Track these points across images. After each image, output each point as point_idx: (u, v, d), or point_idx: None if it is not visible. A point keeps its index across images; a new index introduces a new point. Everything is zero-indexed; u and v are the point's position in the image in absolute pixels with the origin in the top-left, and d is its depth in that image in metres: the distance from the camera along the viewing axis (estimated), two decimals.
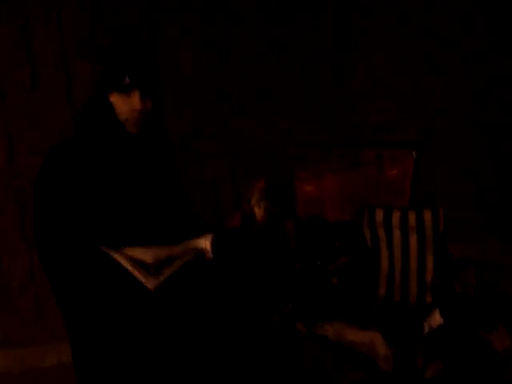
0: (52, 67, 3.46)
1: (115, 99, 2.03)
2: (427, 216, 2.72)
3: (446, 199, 4.12)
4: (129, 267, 1.92)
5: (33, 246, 2.18)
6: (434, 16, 4.28)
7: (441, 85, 4.37)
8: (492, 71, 4.28)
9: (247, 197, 2.75)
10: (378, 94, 4.64)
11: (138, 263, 1.93)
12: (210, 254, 2.06)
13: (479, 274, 3.11)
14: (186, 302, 1.95)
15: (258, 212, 2.76)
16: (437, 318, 2.82)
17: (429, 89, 4.40)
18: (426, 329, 2.77)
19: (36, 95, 3.45)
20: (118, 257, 1.92)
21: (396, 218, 2.81)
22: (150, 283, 1.92)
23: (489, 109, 4.33)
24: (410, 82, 4.41)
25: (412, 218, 2.76)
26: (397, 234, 2.81)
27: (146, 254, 1.95)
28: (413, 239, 2.77)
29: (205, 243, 2.05)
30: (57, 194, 1.93)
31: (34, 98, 3.44)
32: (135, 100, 2.00)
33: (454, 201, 4.20)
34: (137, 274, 1.91)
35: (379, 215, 2.86)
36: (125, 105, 2.01)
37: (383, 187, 4.27)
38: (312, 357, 2.79)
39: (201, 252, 2.04)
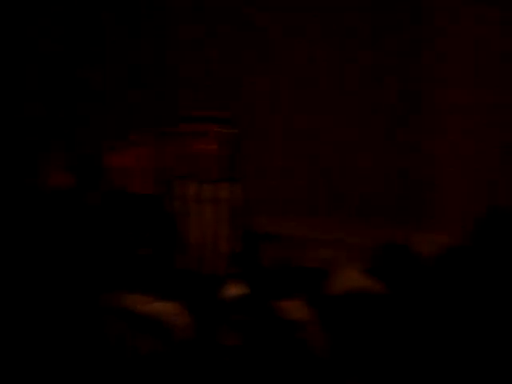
0: None
1: None
2: (224, 189, 2.77)
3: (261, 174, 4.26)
4: None
5: None
6: None
7: None
8: None
9: (47, 164, 2.62)
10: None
11: None
12: None
13: (280, 248, 3.26)
14: None
15: (58, 179, 2.66)
16: (235, 289, 2.90)
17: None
18: (225, 298, 2.83)
19: None
20: None
21: (194, 190, 2.83)
22: None
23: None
24: None
25: (209, 191, 2.79)
26: (194, 206, 2.83)
27: None
28: (209, 211, 2.81)
29: None
30: None
31: None
32: None
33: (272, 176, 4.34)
34: None
35: (180, 188, 2.86)
36: None
37: (194, 160, 4.31)
38: (114, 328, 2.75)
39: None
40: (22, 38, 4.22)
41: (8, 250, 2.40)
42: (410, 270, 2.79)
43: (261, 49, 4.37)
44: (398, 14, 3.88)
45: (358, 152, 3.89)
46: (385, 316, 2.67)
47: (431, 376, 2.51)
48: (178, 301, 2.71)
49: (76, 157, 3.16)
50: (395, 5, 3.89)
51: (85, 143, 4.23)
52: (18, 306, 2.35)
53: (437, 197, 3.70)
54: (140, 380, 2.51)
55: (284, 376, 2.48)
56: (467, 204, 3.58)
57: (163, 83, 4.68)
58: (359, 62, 3.85)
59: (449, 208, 3.66)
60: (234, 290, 2.93)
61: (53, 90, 4.39)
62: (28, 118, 4.10)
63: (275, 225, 3.89)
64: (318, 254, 3.38)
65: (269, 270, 3.26)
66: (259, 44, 4.35)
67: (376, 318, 2.67)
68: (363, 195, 3.85)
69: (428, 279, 2.62)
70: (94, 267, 2.77)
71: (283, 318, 2.73)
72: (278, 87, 4.27)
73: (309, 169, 3.99)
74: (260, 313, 2.77)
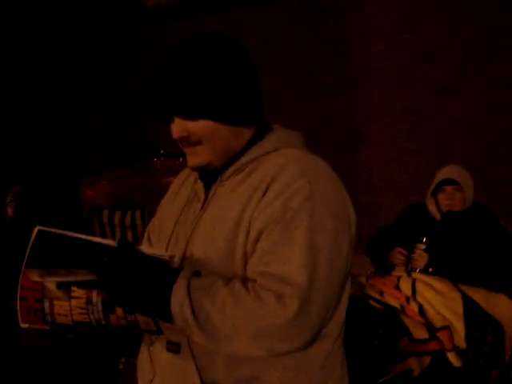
0: None
1: None
2: (137, 215, 3.24)
3: None
4: None
5: None
6: None
7: None
8: None
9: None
10: None
11: None
12: None
13: None
14: None
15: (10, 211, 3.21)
16: None
17: None
18: None
19: None
20: None
21: (117, 217, 3.31)
22: None
23: None
24: None
25: (128, 217, 3.27)
26: (117, 231, 3.31)
27: None
28: (129, 235, 3.29)
29: None
30: None
31: None
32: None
33: None
34: None
35: (105, 215, 3.35)
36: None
37: (161, 192, 4.78)
38: None
39: None
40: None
41: None
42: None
43: None
44: None
45: None
46: None
47: None
48: None
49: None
50: None
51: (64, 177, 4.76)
52: None
53: None
54: None
55: None
56: None
57: (141, 123, 5.24)
58: None
59: None
60: None
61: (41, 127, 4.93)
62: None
63: None
64: None
65: None
66: None
67: None
68: None
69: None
70: None
71: None
72: None
73: None
74: None
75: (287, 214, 1.05)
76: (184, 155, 1.22)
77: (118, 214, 3.31)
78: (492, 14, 3.79)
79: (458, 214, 2.53)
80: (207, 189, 1.20)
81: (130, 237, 3.34)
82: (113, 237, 3.42)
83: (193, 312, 1.02)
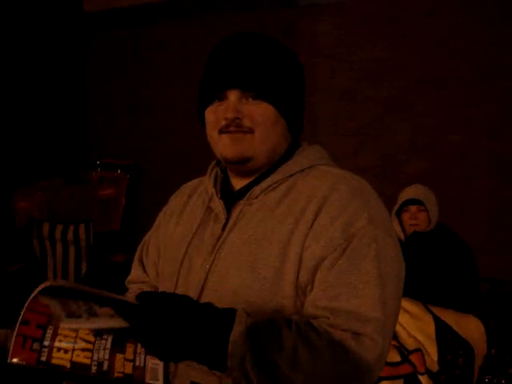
0: None
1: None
2: (81, 229, 3.08)
3: None
4: None
5: None
6: None
7: None
8: None
9: None
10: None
11: None
12: None
13: None
14: None
15: None
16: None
17: None
18: None
19: None
20: None
21: (58, 231, 3.14)
22: None
23: None
24: None
25: (71, 231, 3.10)
26: (58, 246, 3.13)
27: None
28: (71, 250, 3.12)
29: None
30: None
31: None
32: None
33: None
34: None
35: (45, 228, 3.17)
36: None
37: (99, 205, 4.63)
38: None
39: None
40: None
41: None
42: None
43: None
44: None
45: None
46: None
47: None
48: None
49: None
50: None
51: None
52: None
53: None
54: None
55: None
56: None
57: (77, 132, 5.04)
58: None
59: None
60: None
61: None
62: None
63: None
64: None
65: None
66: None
67: None
68: None
69: None
70: None
71: None
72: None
73: None
74: None
75: (352, 241, 0.94)
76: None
77: (59, 228, 3.13)
78: (442, 33, 3.88)
79: (422, 234, 2.55)
80: (228, 208, 1.06)
81: (72, 253, 3.17)
82: (52, 251, 3.25)
83: (256, 363, 0.86)
